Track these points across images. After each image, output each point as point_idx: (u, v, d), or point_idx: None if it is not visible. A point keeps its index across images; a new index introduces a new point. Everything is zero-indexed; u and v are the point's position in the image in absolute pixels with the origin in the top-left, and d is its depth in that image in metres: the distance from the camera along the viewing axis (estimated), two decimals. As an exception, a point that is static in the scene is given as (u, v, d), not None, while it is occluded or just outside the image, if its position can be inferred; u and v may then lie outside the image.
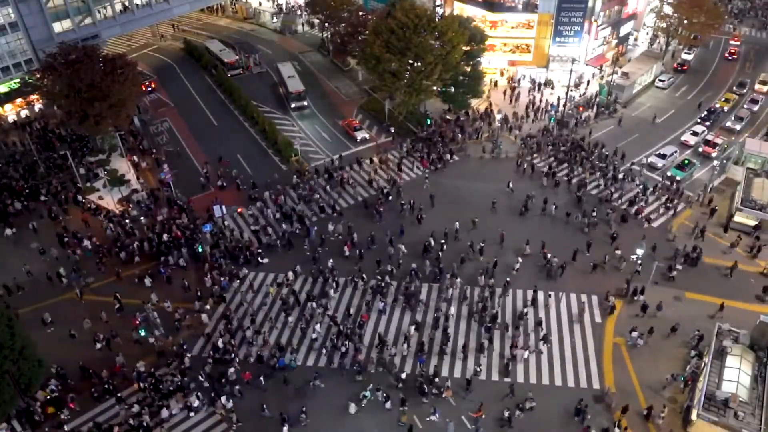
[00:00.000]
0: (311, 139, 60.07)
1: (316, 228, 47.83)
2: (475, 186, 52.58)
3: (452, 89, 59.80)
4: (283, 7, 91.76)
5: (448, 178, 53.84)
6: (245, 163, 56.42)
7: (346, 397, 35.03)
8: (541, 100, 64.72)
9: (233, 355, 37.71)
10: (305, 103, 64.81)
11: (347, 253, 45.23)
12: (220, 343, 38.03)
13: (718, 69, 73.85)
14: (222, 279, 43.16)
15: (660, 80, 69.49)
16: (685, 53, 74.65)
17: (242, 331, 39.62)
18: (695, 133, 58.75)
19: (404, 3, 56.13)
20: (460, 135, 59.19)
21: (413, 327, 39.23)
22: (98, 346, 38.07)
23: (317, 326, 39.31)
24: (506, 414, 33.70)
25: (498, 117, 61.45)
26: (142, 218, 49.00)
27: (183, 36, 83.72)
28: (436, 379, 35.85)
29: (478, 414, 33.42)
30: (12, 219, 48.47)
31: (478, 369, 36.70)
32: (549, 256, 44.17)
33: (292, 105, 64.57)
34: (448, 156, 56.20)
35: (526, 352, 37.61)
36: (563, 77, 65.12)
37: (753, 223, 46.95)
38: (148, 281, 42.48)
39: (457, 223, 47.26)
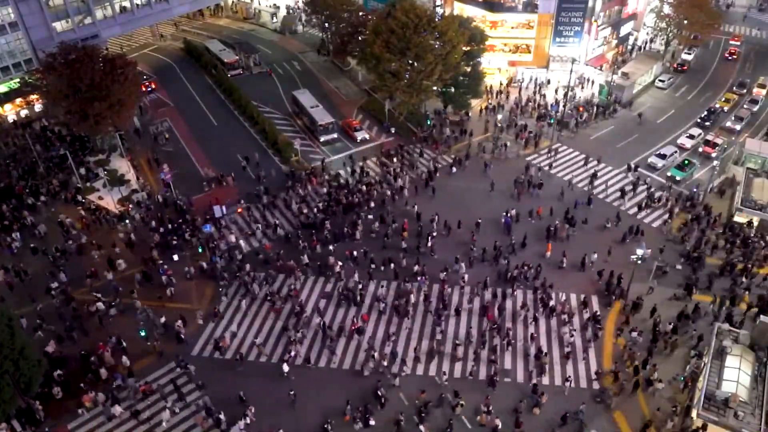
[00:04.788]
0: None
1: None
2: (479, 186, 52.44)
3: (452, 89, 59.78)
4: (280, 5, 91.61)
5: (455, 180, 53.57)
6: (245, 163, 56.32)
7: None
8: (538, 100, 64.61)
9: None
10: (336, 135, 59.51)
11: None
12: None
13: (718, 69, 73.80)
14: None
15: (660, 80, 69.46)
16: (685, 53, 74.52)
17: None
18: (691, 136, 58.66)
19: (404, 3, 56.00)
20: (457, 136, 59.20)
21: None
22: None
23: None
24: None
25: (498, 117, 61.42)
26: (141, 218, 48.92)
27: (183, 36, 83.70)
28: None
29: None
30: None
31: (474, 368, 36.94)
32: (548, 255, 44.41)
33: (322, 139, 58.86)
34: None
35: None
36: (563, 77, 65.15)
37: (745, 220, 47.03)
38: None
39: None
